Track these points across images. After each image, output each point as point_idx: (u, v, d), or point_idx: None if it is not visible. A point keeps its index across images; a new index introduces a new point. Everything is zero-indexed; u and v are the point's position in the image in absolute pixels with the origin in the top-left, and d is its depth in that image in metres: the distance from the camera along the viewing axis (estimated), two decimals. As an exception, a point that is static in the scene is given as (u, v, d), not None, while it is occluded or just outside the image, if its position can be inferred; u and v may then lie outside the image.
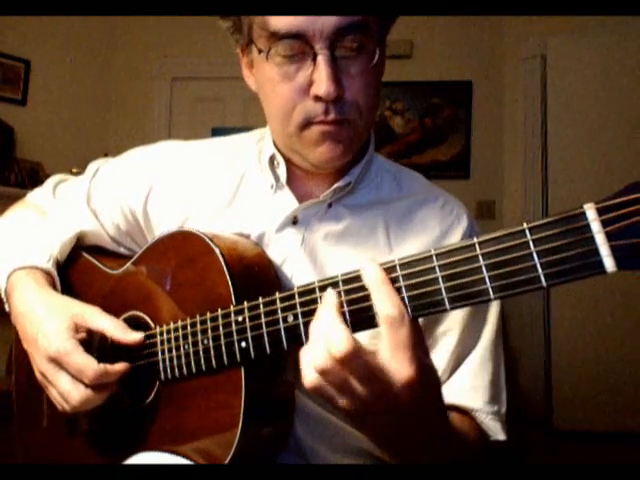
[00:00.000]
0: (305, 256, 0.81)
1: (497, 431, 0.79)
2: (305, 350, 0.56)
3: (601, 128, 2.96)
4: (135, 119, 3.72)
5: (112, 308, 0.85)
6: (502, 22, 3.34)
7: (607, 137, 2.94)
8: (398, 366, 0.53)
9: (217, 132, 3.13)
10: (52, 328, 0.77)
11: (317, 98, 0.71)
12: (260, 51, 0.73)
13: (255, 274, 0.76)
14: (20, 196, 1.06)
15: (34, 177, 3.15)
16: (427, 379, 0.55)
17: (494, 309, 0.83)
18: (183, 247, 0.78)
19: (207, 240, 0.74)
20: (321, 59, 0.69)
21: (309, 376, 0.55)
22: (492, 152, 3.40)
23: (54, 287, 0.87)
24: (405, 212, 0.84)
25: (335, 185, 0.80)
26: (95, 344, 0.79)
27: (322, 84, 0.69)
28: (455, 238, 0.84)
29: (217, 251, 0.73)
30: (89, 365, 0.73)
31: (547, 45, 3.14)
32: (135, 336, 0.77)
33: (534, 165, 3.22)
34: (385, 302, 0.54)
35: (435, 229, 0.83)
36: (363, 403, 0.54)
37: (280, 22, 0.70)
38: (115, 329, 0.77)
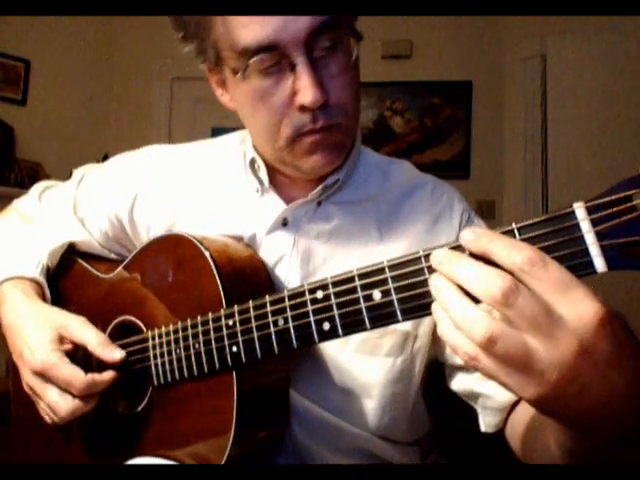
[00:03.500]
0: (298, 258, 0.80)
1: None
2: (449, 330, 0.44)
3: (601, 128, 2.94)
4: (135, 119, 3.71)
5: (104, 313, 0.84)
6: (502, 22, 3.32)
7: (607, 137, 2.93)
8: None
9: (217, 132, 3.10)
10: (36, 341, 0.76)
11: (303, 108, 0.68)
12: (236, 72, 0.70)
13: (246, 276, 0.75)
14: (20, 196, 1.05)
15: (34, 177, 3.14)
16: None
17: None
18: (173, 250, 0.78)
19: (196, 243, 0.74)
20: (301, 68, 0.66)
21: (474, 356, 0.43)
22: (492, 152, 3.38)
23: (43, 296, 0.86)
24: (394, 204, 0.83)
25: (323, 183, 0.79)
26: (82, 353, 0.78)
27: (307, 92, 0.66)
28: (448, 223, 0.83)
29: (207, 254, 0.72)
30: (76, 376, 0.73)
31: (547, 45, 3.12)
32: (115, 355, 0.76)
33: (534, 165, 3.21)
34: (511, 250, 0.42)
35: (426, 216, 0.83)
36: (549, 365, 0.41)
37: (249, 36, 0.66)
38: (97, 345, 0.76)
